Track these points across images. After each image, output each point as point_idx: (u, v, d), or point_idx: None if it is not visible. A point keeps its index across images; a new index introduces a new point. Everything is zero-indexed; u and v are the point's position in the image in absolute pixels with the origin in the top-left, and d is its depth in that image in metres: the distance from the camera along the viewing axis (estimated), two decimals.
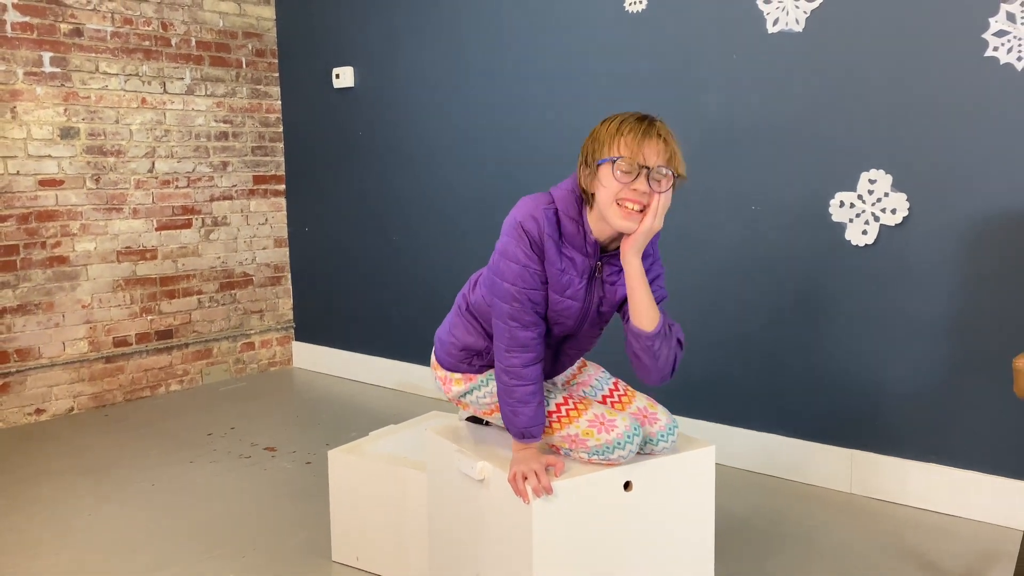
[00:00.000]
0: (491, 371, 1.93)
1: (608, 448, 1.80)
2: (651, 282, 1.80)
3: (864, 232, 2.76)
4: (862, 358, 2.82)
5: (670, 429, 1.91)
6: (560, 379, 2.07)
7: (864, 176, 2.74)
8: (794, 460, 2.99)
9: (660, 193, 1.67)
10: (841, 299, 2.84)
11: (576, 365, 2.09)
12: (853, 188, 2.78)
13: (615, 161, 1.66)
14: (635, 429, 1.81)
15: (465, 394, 1.95)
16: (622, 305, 1.84)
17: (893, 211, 2.70)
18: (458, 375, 1.96)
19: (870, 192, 2.74)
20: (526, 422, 1.77)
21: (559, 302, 1.78)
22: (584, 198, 1.76)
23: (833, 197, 2.82)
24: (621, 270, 1.79)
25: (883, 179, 2.70)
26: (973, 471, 2.65)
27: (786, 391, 3.00)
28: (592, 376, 2.06)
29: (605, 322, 1.90)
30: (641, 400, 1.98)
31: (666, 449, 1.92)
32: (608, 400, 2.00)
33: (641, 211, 1.68)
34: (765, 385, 3.04)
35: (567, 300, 1.78)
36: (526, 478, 1.74)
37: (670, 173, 1.68)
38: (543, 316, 1.80)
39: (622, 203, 1.67)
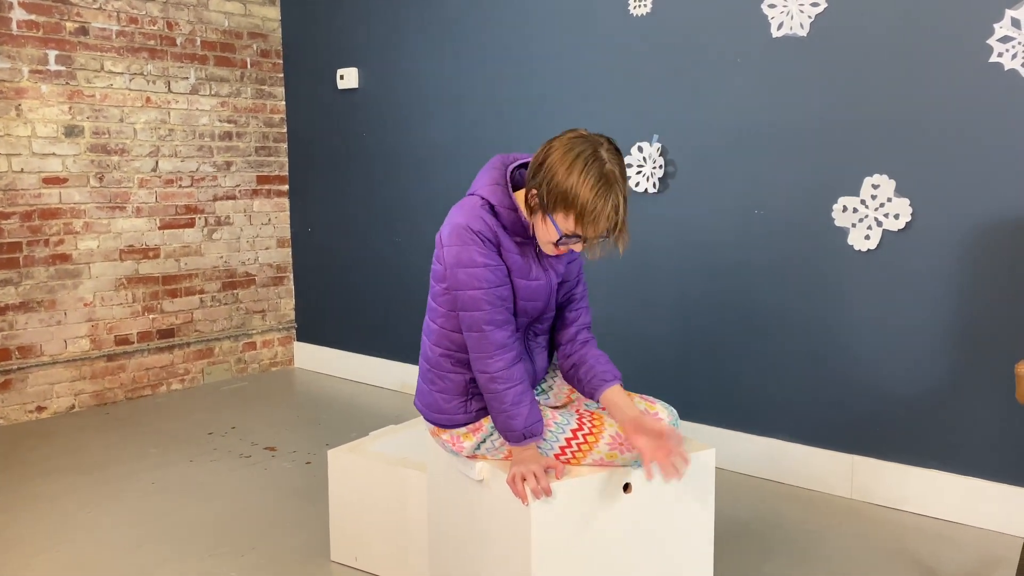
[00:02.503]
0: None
1: (637, 461, 1.83)
2: (580, 299, 1.98)
3: (867, 237, 2.76)
4: (863, 363, 2.81)
5: (673, 423, 1.93)
6: (557, 399, 2.06)
7: (867, 181, 2.74)
8: (795, 464, 2.98)
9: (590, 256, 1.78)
10: (843, 304, 2.84)
11: (568, 388, 2.08)
12: (856, 193, 2.77)
13: (560, 235, 1.72)
14: None
15: (479, 445, 1.91)
16: (565, 275, 1.94)
17: (896, 216, 2.69)
18: (463, 429, 1.91)
19: (873, 197, 2.73)
20: (523, 423, 1.77)
21: (526, 287, 1.82)
22: (512, 190, 1.83)
23: (836, 202, 2.81)
24: None
25: (886, 184, 2.70)
26: (974, 477, 2.64)
27: (788, 395, 2.99)
28: None
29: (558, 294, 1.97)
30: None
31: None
32: None
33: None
34: (767, 389, 3.04)
35: (534, 282, 1.83)
36: (525, 479, 1.74)
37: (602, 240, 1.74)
38: (512, 312, 1.82)
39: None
